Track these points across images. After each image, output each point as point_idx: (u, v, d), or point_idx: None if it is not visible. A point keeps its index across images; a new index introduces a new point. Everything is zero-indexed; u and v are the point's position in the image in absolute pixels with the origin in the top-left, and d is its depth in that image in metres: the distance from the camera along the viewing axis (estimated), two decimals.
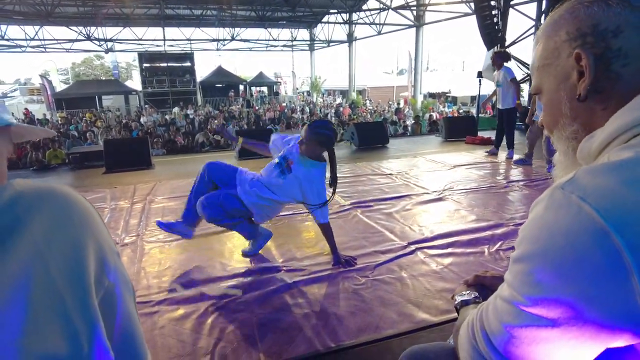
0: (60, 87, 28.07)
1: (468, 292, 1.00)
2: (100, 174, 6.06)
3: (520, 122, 8.46)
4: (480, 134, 8.09)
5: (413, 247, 2.92)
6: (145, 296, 2.36)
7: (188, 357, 1.82)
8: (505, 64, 5.88)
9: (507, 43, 10.31)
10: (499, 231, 3.21)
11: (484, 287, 1.03)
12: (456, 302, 0.98)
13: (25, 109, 22.05)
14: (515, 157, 5.90)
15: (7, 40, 22.95)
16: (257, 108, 20.86)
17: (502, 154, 6.27)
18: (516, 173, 5.21)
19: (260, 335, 1.97)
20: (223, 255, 2.92)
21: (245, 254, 2.87)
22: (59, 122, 17.27)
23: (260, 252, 2.95)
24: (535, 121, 5.46)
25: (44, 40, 23.66)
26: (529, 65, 5.67)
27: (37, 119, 18.28)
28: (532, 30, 9.98)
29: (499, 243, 2.98)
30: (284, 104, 23.45)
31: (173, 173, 6.00)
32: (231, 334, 1.99)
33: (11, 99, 32.38)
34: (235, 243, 3.12)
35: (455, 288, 1.09)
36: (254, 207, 2.60)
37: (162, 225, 2.77)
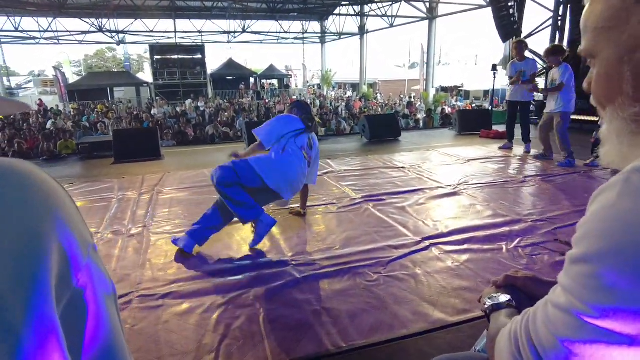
0: (73, 78, 28.30)
1: (499, 294, 0.89)
2: (109, 164, 6.01)
3: (535, 116, 8.26)
4: (494, 128, 7.89)
5: (427, 242, 2.81)
6: (149, 289, 2.29)
7: (192, 355, 1.74)
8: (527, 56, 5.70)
9: (523, 35, 10.03)
10: (516, 227, 3.08)
11: (516, 288, 0.92)
12: (486, 306, 0.87)
13: (39, 100, 22.23)
14: (534, 151, 5.72)
15: (22, 32, 23.15)
16: (267, 101, 20.75)
17: (517, 148, 6.10)
18: (533, 167, 5.05)
19: (267, 333, 1.88)
20: (231, 248, 2.84)
21: (250, 246, 2.80)
22: (72, 113, 17.34)
23: (268, 244, 2.86)
24: (545, 113, 5.28)
25: (57, 32, 23.81)
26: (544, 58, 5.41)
27: (50, 110, 18.37)
28: (550, 21, 9.68)
29: (517, 240, 2.85)
30: (294, 97, 23.31)
31: (182, 164, 5.94)
32: (237, 331, 1.90)
33: (25, 91, 32.73)
34: (244, 236, 3.04)
35: (483, 290, 0.98)
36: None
37: (173, 240, 2.79)
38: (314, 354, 1.73)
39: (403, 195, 3.92)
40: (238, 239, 3.00)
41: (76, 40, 25.70)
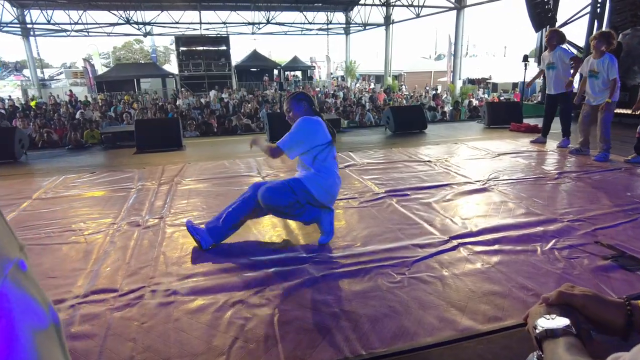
0: (101, 70, 28.88)
1: (553, 316, 0.72)
2: (132, 154, 6.03)
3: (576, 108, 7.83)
4: (525, 121, 7.53)
5: (455, 242, 2.62)
6: (162, 284, 2.20)
7: (202, 357, 1.63)
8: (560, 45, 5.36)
9: (557, 24, 9.54)
10: (551, 227, 2.86)
11: (573, 309, 0.75)
12: (537, 331, 0.71)
13: (70, 91, 22.78)
14: (570, 146, 5.41)
15: (54, 24, 23.74)
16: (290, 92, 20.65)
17: (549, 143, 5.78)
18: (568, 163, 4.75)
19: (281, 336, 1.76)
20: (247, 243, 2.73)
21: (321, 242, 2.66)
22: (99, 104, 17.67)
23: (286, 239, 2.74)
24: (586, 104, 4.95)
25: (86, 24, 24.32)
26: (582, 48, 5.18)
27: (80, 101, 18.80)
28: (588, 9, 9.15)
29: (553, 241, 2.64)
30: (317, 89, 23.12)
31: (203, 155, 5.90)
32: (250, 332, 1.79)
33: (57, 82, 33.60)
34: (261, 230, 2.93)
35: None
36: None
37: (190, 226, 2.64)
38: None
39: (429, 190, 3.73)
40: (255, 232, 2.89)
41: (105, 33, 26.21)
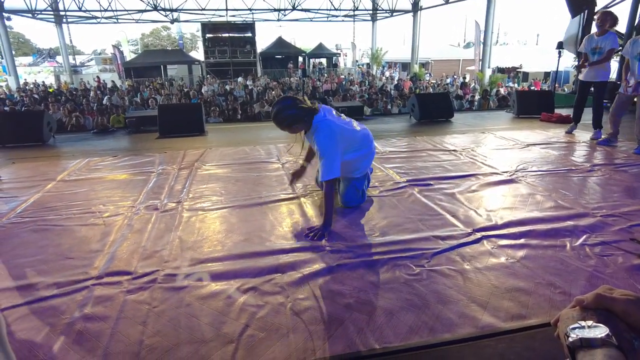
0: (130, 56, 29.38)
1: (589, 322, 0.63)
2: (154, 138, 6.08)
3: (607, 99, 7.45)
4: (556, 111, 7.20)
5: (479, 234, 2.50)
6: (175, 268, 2.18)
7: (210, 344, 1.60)
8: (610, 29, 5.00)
9: (597, 8, 9.03)
10: (582, 222, 2.69)
11: (612, 315, 0.65)
12: (570, 339, 0.62)
13: (97, 77, 23.28)
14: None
15: (84, 11, 24.23)
16: (314, 80, 20.45)
17: (582, 134, 5.50)
18: (601, 156, 4.50)
19: (293, 325, 1.70)
20: (263, 229, 2.68)
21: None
22: (127, 89, 17.97)
23: (303, 226, 2.68)
24: (622, 94, 4.66)
25: (116, 11, 24.70)
26: (622, 34, 4.83)
27: (108, 87, 19.18)
28: None
29: (584, 237, 2.48)
30: (342, 77, 22.86)
31: (224, 140, 5.89)
32: (261, 321, 1.74)
33: (87, 68, 34.40)
34: (277, 216, 2.88)
35: (562, 310, 0.72)
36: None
37: None
38: (343, 354, 1.54)
39: (453, 180, 3.60)
40: (272, 219, 2.84)
41: (133, 19, 26.58)
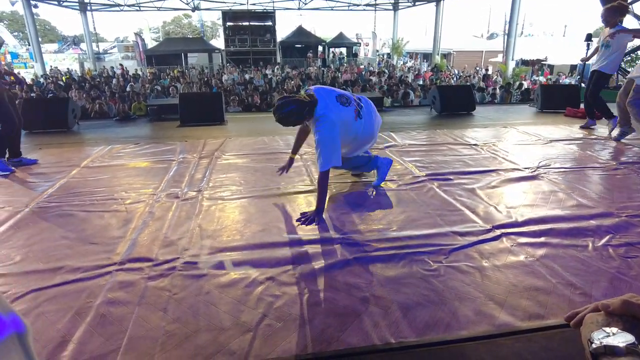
0: (151, 44, 29.66)
1: (614, 329, 0.62)
2: (175, 126, 6.16)
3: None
4: (582, 106, 6.99)
5: (498, 231, 2.48)
6: (195, 256, 2.23)
7: (229, 332, 1.63)
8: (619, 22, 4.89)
9: None
10: (607, 222, 2.63)
11: (637, 321, 0.64)
12: (594, 345, 0.61)
13: (120, 65, 23.61)
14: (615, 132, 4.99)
15: None
16: (333, 70, 20.32)
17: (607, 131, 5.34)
18: (629, 153, 4.36)
19: (309, 317, 1.73)
20: (281, 220, 2.71)
21: (374, 185, 3.30)
22: (148, 77, 18.20)
23: (324, 217, 2.70)
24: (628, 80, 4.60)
25: None
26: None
27: (130, 74, 19.45)
28: None
29: (607, 237, 2.43)
30: (361, 67, 22.65)
31: (244, 130, 5.94)
32: (278, 311, 1.77)
33: (110, 55, 34.88)
34: (296, 208, 2.90)
35: (585, 313, 0.71)
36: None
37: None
38: (359, 347, 1.55)
39: (473, 175, 3.55)
40: (289, 210, 2.86)
41: (155, 7, 26.78)
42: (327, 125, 2.70)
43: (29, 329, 0.36)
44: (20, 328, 0.34)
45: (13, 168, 3.92)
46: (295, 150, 3.36)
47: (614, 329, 0.61)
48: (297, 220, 2.68)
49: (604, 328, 0.62)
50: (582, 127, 5.57)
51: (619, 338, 0.59)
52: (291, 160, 3.35)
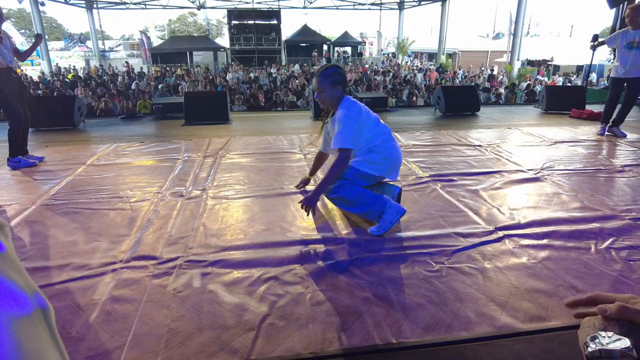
0: (157, 42, 29.75)
1: (610, 334, 0.63)
2: (180, 125, 6.19)
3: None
4: (587, 108, 6.97)
5: (501, 233, 2.48)
6: (200, 255, 2.25)
7: (232, 331, 1.65)
8: None
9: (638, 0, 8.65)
10: (610, 224, 2.63)
11: (634, 325, 0.65)
12: (590, 349, 0.62)
13: (126, 62, 23.71)
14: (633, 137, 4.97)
15: None
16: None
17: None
18: (633, 155, 4.35)
19: (312, 316, 1.74)
20: (285, 219, 2.73)
21: (371, 232, 2.50)
22: (154, 75, 18.28)
23: (325, 218, 2.72)
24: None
25: None
26: None
27: (136, 72, 19.53)
28: None
29: (610, 240, 2.43)
30: (366, 66, 22.62)
31: (248, 129, 5.96)
32: (281, 310, 1.79)
33: (116, 53, 35.05)
34: (299, 208, 2.91)
35: (582, 312, 0.73)
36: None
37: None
38: (360, 347, 1.57)
39: (477, 176, 3.56)
40: (293, 210, 2.88)
41: (160, 5, 26.85)
42: (353, 109, 2.55)
43: (51, 309, 0.38)
44: (44, 305, 0.36)
45: (34, 162, 4.01)
46: (313, 172, 3.28)
47: (610, 333, 0.62)
48: (300, 202, 2.58)
49: (599, 332, 0.63)
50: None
51: (615, 342, 0.60)
52: (307, 181, 3.30)
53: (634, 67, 4.90)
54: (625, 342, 0.60)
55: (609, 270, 2.10)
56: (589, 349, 0.62)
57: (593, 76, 16.85)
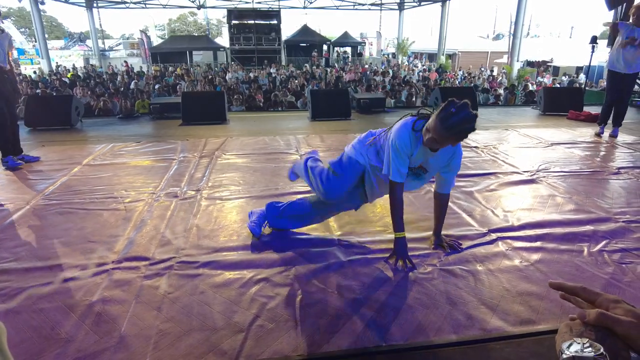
0: (157, 42, 29.73)
1: (585, 340, 0.63)
2: (177, 125, 6.19)
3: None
4: (585, 109, 6.96)
5: (494, 235, 2.48)
6: (191, 256, 2.25)
7: (221, 333, 1.65)
8: None
9: (637, 1, 8.64)
10: (603, 227, 2.63)
11: (610, 332, 0.64)
12: (564, 356, 0.62)
13: (125, 61, 23.69)
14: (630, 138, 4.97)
15: None
16: (337, 69, 20.31)
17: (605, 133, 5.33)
18: (630, 157, 4.34)
19: (301, 318, 1.74)
20: None
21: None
22: (153, 74, 18.26)
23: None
24: None
25: None
26: None
27: (135, 72, 19.50)
28: None
29: (603, 242, 2.43)
30: (366, 66, 22.62)
31: (245, 130, 5.95)
32: (271, 312, 1.79)
33: (115, 52, 35.00)
34: None
35: (561, 325, 0.72)
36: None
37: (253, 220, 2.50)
38: (348, 349, 1.57)
39: (472, 178, 3.56)
40: None
41: (160, 5, 26.85)
42: (398, 136, 2.18)
43: (2, 328, 0.37)
44: None
45: (20, 163, 3.99)
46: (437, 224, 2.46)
47: (585, 340, 0.62)
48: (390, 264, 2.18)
49: (575, 339, 0.63)
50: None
51: (589, 349, 0.60)
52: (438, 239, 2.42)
53: (628, 63, 4.92)
54: (598, 348, 0.59)
55: (601, 273, 2.10)
56: (564, 356, 0.61)
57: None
